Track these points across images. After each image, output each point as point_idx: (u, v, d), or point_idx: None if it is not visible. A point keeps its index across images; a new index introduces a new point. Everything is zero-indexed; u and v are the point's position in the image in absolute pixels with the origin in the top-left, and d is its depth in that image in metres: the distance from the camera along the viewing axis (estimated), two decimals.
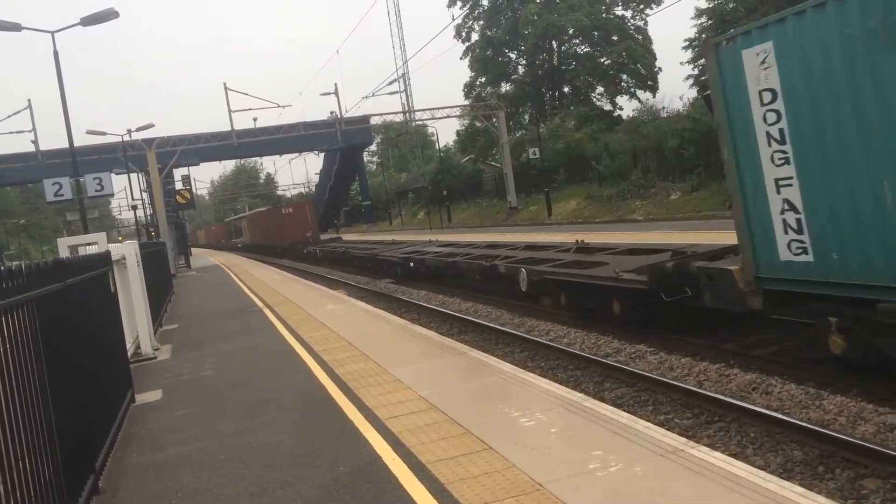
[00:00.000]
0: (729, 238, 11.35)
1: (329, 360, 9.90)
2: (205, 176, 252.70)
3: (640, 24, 59.09)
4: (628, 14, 59.19)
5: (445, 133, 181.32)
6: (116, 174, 40.39)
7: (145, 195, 49.19)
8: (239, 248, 77.05)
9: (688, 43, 47.07)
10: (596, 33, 58.10)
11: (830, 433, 6.73)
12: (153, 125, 38.78)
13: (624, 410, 7.01)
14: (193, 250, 58.02)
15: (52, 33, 22.21)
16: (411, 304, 19.36)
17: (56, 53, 21.67)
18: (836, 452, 6.45)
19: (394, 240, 36.74)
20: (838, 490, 5.86)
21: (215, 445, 6.80)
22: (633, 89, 59.32)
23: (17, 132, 46.62)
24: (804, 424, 7.03)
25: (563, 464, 5.10)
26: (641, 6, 58.24)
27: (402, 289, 23.32)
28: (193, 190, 51.84)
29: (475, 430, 6.09)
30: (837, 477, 6.12)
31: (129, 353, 10.85)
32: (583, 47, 60.60)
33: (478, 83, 64.09)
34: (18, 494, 3.92)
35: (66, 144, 23.68)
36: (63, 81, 21.96)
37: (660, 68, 58.15)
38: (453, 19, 57.63)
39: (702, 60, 46.00)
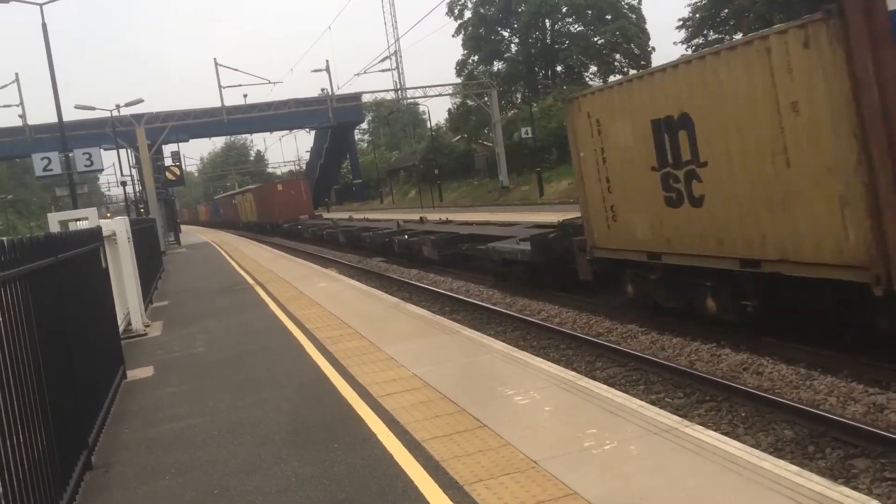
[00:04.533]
0: None
1: (322, 338, 9.88)
2: (194, 153, 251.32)
3: (634, 3, 58.84)
4: None
5: (437, 112, 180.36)
6: (105, 150, 39.91)
7: (134, 171, 48.76)
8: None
9: (681, 23, 46.86)
10: (589, 12, 57.79)
11: (821, 413, 6.79)
12: (142, 100, 38.50)
13: (617, 390, 7.03)
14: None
15: (41, 5, 21.93)
16: (403, 282, 19.36)
17: (45, 26, 21.38)
18: (826, 432, 6.51)
19: None
20: (829, 469, 5.92)
21: (208, 422, 6.78)
22: (626, 69, 59.00)
23: (5, 106, 46.02)
24: (795, 404, 7.09)
25: (558, 442, 5.11)
26: None
27: (394, 267, 23.30)
28: (183, 166, 51.37)
29: (470, 408, 6.09)
30: (828, 456, 6.17)
31: (120, 330, 10.81)
32: (576, 26, 60.25)
33: (470, 61, 63.63)
34: (11, 469, 3.90)
35: (54, 119, 23.46)
36: (52, 55, 21.69)
37: (653, 48, 57.96)
38: None
39: (696, 40, 45.97)
